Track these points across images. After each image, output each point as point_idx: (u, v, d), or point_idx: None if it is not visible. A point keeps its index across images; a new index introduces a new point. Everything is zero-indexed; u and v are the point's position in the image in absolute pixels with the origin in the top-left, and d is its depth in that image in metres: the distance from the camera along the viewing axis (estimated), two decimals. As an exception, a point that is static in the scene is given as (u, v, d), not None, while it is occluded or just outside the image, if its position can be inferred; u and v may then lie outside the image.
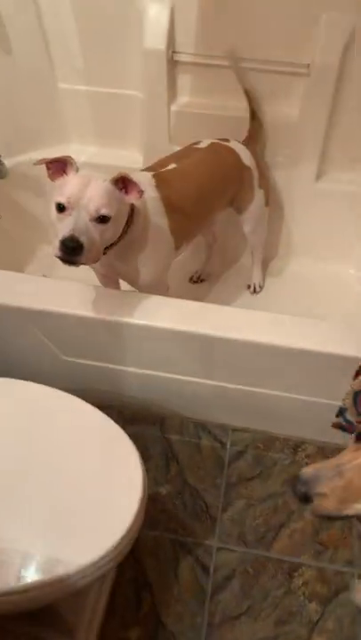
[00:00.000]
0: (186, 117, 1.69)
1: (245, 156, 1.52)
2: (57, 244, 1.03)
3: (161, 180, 1.32)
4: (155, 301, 1.32)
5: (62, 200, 1.05)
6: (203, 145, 1.48)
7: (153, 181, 1.30)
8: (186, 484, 1.46)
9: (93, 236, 1.05)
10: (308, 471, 0.75)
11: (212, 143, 1.49)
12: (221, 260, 1.99)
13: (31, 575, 0.83)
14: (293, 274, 1.96)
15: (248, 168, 1.53)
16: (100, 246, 1.09)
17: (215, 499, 1.44)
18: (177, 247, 1.37)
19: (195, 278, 1.95)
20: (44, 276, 1.85)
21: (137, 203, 1.16)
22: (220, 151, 1.47)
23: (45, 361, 1.49)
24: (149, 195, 1.26)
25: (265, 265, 1.94)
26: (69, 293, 1.33)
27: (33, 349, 1.46)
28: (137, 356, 1.41)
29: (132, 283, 1.37)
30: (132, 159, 1.84)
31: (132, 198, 1.12)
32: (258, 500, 1.43)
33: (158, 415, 1.61)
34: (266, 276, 1.95)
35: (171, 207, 1.31)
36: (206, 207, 1.43)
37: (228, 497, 1.44)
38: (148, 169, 1.39)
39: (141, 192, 1.10)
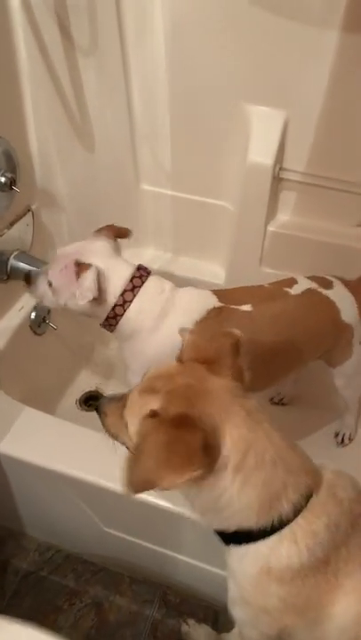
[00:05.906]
0: (284, 239, 1.43)
1: (348, 311, 1.16)
2: None
3: (223, 316, 1.05)
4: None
5: None
6: (297, 289, 1.14)
7: (212, 310, 1.05)
8: None
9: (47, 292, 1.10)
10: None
11: (309, 291, 1.14)
12: (314, 383, 1.55)
13: None
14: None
15: (348, 326, 1.17)
16: (54, 301, 1.11)
17: None
18: None
19: (276, 399, 1.62)
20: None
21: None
22: (315, 304, 1.13)
23: (85, 529, 1.22)
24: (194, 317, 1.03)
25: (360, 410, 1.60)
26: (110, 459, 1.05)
27: (71, 514, 1.20)
28: (189, 546, 1.12)
29: None
30: (212, 273, 1.59)
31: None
32: None
33: (211, 608, 1.27)
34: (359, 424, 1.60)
35: None
36: (274, 371, 1.13)
37: None
38: (217, 293, 1.11)
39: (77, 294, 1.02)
